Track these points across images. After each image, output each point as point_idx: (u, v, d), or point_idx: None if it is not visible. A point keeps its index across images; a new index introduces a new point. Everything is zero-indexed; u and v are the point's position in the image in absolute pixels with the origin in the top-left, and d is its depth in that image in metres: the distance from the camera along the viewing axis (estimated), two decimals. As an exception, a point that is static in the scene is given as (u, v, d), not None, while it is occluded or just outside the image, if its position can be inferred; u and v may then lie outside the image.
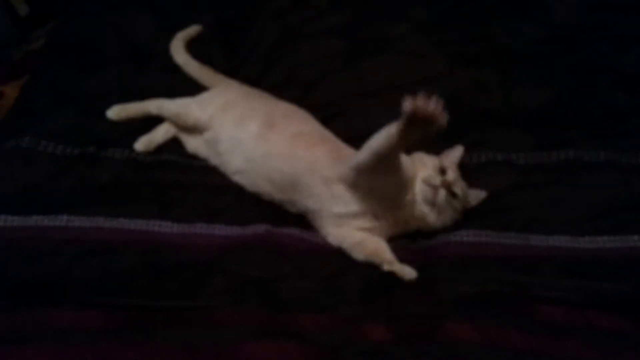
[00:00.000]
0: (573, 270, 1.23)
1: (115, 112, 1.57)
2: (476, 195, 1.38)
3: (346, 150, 1.42)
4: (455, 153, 1.42)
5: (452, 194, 1.31)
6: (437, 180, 1.30)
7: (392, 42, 1.79)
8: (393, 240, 1.34)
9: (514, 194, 1.41)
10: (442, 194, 1.29)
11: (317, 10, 1.86)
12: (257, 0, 1.90)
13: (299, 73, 1.73)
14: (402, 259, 1.27)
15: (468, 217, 1.35)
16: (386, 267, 1.26)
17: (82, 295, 1.14)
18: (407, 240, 1.35)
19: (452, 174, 1.33)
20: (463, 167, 1.43)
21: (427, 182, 1.31)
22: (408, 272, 1.23)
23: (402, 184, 1.31)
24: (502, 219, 1.34)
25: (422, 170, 1.34)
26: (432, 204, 1.30)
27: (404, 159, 1.34)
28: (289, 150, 1.37)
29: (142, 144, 1.52)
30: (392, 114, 1.56)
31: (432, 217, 1.32)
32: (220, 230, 1.34)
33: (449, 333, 1.08)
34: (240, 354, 1.05)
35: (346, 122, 1.59)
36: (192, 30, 1.78)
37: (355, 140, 1.45)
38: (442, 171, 1.33)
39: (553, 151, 1.49)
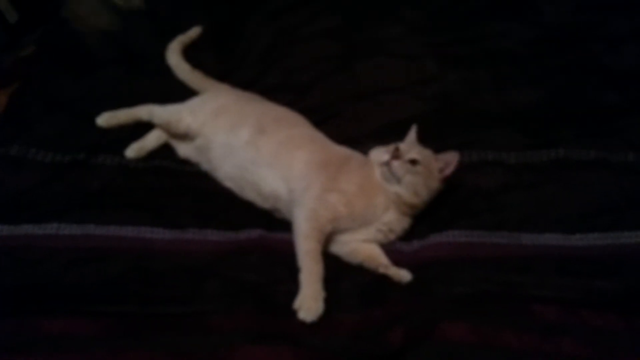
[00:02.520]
0: (565, 269, 1.23)
1: (104, 120, 1.56)
2: (446, 159, 1.34)
3: (333, 151, 1.42)
4: (411, 134, 1.42)
5: (410, 162, 1.30)
6: (385, 156, 1.31)
7: (384, 44, 1.80)
8: (386, 244, 1.34)
9: (505, 193, 1.41)
10: (395, 165, 1.29)
11: (311, 13, 1.87)
12: (250, 4, 1.91)
13: (293, 76, 1.74)
14: (395, 262, 1.28)
15: (459, 216, 1.35)
16: (381, 271, 1.26)
17: (73, 302, 1.14)
18: (400, 242, 1.35)
19: (403, 147, 1.33)
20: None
21: (379, 164, 1.32)
22: (403, 275, 1.24)
23: (365, 205, 1.31)
24: (494, 218, 1.35)
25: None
26: (395, 179, 1.30)
27: (368, 164, 1.36)
28: (274, 159, 1.37)
29: (133, 150, 1.51)
30: (385, 115, 1.60)
31: (402, 191, 1.30)
32: (213, 235, 1.33)
33: (444, 333, 1.09)
34: (234, 359, 1.04)
35: (340, 124, 1.60)
36: (193, 32, 1.78)
37: (349, 142, 1.47)
38: (395, 150, 1.33)
39: (544, 150, 1.49)
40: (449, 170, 1.33)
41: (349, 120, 1.62)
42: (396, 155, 1.31)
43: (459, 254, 1.28)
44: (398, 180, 1.30)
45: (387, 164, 1.31)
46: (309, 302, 1.15)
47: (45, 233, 1.29)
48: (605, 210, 1.36)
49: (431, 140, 1.43)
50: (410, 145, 1.36)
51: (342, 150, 1.43)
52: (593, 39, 1.76)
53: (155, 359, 1.05)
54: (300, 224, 1.26)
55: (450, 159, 1.34)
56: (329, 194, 1.30)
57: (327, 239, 1.30)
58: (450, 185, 1.37)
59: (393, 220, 1.33)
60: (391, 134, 1.46)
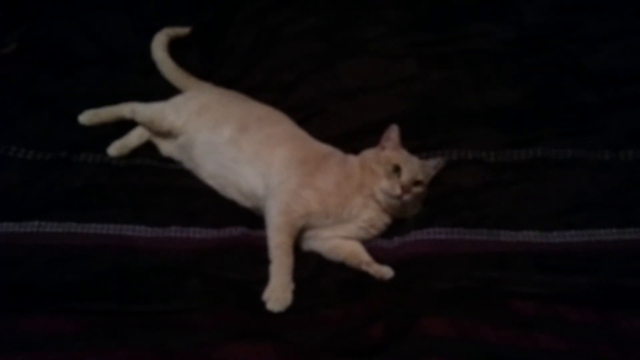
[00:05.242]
0: (543, 265, 1.26)
1: (87, 117, 1.55)
2: (435, 165, 1.39)
3: (313, 146, 1.43)
4: (392, 134, 1.38)
5: (415, 184, 1.32)
6: (397, 190, 1.30)
7: (367, 44, 1.81)
8: (367, 241, 1.36)
9: (484, 191, 1.43)
10: (406, 198, 1.31)
11: (294, 12, 1.88)
12: (234, 3, 1.90)
13: (277, 75, 1.74)
14: (377, 259, 1.29)
15: (440, 214, 1.37)
16: (364, 268, 1.27)
17: (54, 300, 1.13)
18: (381, 239, 1.37)
19: (406, 170, 1.31)
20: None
21: (389, 196, 1.31)
22: (386, 272, 1.26)
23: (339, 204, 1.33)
24: (473, 215, 1.37)
25: (373, 177, 1.33)
26: (403, 208, 1.33)
27: (351, 160, 1.38)
28: (255, 157, 1.38)
29: (116, 148, 1.51)
30: (367, 114, 1.62)
31: (407, 214, 1.35)
32: (196, 233, 1.33)
33: (424, 328, 1.10)
34: (216, 356, 1.05)
35: (323, 122, 1.61)
36: (180, 30, 1.77)
37: (332, 140, 1.48)
38: (396, 168, 1.32)
39: (523, 149, 1.52)
40: (433, 174, 1.38)
41: (332, 118, 1.63)
42: (407, 188, 1.30)
43: (439, 251, 1.30)
44: (404, 208, 1.33)
45: (399, 198, 1.30)
46: (277, 293, 1.17)
47: (26, 231, 1.28)
48: (582, 208, 1.38)
49: (412, 139, 1.44)
50: (408, 164, 1.33)
51: (323, 147, 1.44)
52: (571, 39, 1.79)
53: (137, 357, 1.04)
54: (274, 216, 1.28)
55: (438, 166, 1.38)
56: (303, 190, 1.31)
57: (309, 236, 1.32)
58: (431, 183, 1.39)
59: (374, 217, 1.34)
60: (373, 133, 1.48)
